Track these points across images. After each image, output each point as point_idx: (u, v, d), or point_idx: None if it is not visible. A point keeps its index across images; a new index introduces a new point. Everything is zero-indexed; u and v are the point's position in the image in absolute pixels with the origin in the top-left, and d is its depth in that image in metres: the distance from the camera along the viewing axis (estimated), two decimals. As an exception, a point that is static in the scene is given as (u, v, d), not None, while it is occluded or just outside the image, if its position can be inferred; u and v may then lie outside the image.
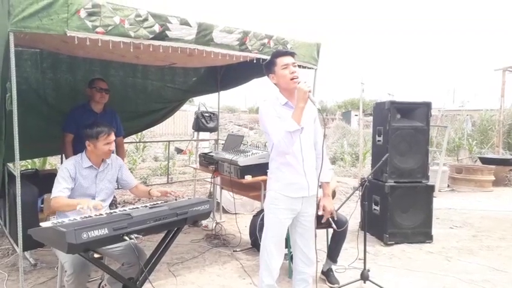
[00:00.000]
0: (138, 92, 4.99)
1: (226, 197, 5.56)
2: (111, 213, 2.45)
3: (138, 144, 13.05)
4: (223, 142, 5.27)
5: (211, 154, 4.75)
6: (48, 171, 4.70)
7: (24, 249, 2.73)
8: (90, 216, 2.32)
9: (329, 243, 3.62)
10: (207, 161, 4.76)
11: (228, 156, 4.35)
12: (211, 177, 4.85)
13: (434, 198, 7.18)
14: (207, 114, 5.69)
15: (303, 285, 2.66)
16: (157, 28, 2.95)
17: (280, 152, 2.49)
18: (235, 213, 5.27)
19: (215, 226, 4.79)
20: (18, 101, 4.18)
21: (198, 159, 5.20)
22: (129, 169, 8.41)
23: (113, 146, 2.81)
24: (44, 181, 3.82)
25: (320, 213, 2.75)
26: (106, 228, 2.14)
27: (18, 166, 2.67)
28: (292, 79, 2.45)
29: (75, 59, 4.37)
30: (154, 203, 2.66)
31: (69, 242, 1.98)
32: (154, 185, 7.50)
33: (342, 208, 3.68)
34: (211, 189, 5.63)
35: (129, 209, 2.55)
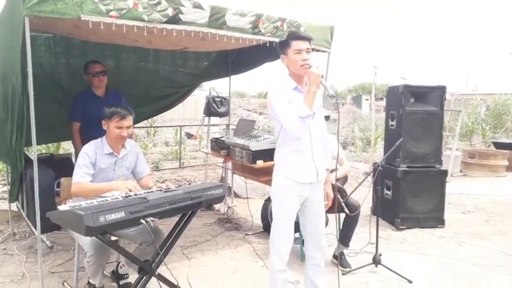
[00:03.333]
0: (149, 77, 4.97)
1: (238, 182, 5.59)
2: (127, 196, 2.48)
3: (149, 129, 13.14)
4: (234, 127, 5.28)
5: (222, 139, 4.75)
6: (62, 155, 4.75)
7: (42, 231, 2.78)
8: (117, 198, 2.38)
9: (341, 227, 3.63)
10: (219, 145, 4.77)
11: (239, 141, 4.36)
12: (223, 162, 4.86)
13: (446, 183, 7.20)
14: (218, 99, 5.68)
15: (315, 270, 2.66)
16: (170, 11, 2.93)
17: (292, 138, 2.44)
18: (247, 198, 5.30)
19: (227, 210, 4.83)
20: (33, 85, 4.25)
21: (209, 144, 5.21)
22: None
23: (124, 132, 2.75)
24: (59, 165, 3.88)
25: (325, 202, 2.73)
26: (123, 212, 2.16)
27: (35, 150, 2.70)
28: (302, 65, 2.38)
29: (87, 44, 4.36)
30: (168, 187, 2.68)
31: (87, 224, 2.01)
32: (166, 169, 7.56)
33: (354, 193, 3.67)
34: (223, 173, 5.65)
35: (145, 192, 2.58)
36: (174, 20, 2.96)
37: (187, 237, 4.20)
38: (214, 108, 5.68)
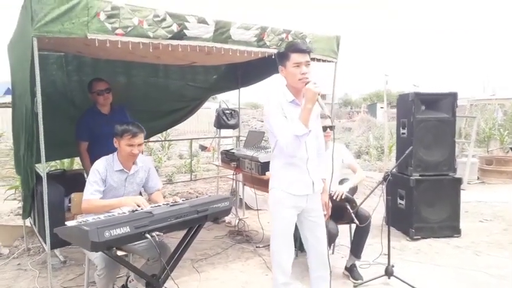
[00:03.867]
0: (160, 92, 5.04)
1: (249, 194, 5.58)
2: (133, 211, 2.50)
3: (163, 142, 13.27)
4: (245, 138, 5.28)
5: (232, 151, 4.77)
6: (75, 171, 4.83)
7: (52, 247, 2.82)
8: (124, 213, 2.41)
9: (352, 238, 3.58)
10: (229, 157, 4.78)
11: (249, 152, 4.36)
12: (233, 174, 4.87)
13: (462, 191, 7.03)
14: (228, 111, 5.71)
15: (320, 283, 2.62)
16: (175, 28, 2.98)
17: (284, 153, 2.43)
18: (258, 210, 5.28)
19: (238, 222, 4.82)
20: (46, 103, 4.34)
21: (220, 156, 5.23)
22: (155, 167, 8.59)
23: (136, 150, 2.77)
24: (71, 181, 3.94)
25: (324, 212, 2.69)
26: (128, 227, 2.18)
27: (44, 166, 2.75)
28: (300, 79, 2.35)
29: (98, 61, 4.46)
30: (175, 201, 2.69)
31: (92, 240, 2.03)
32: (179, 182, 7.60)
33: (367, 202, 3.61)
34: (234, 185, 5.65)
35: (151, 207, 2.60)
36: (179, 35, 3.01)
37: (197, 250, 4.20)
38: (224, 120, 5.71)
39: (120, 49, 2.92)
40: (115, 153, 2.85)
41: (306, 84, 2.33)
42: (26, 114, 3.10)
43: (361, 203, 3.45)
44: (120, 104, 4.00)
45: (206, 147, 13.21)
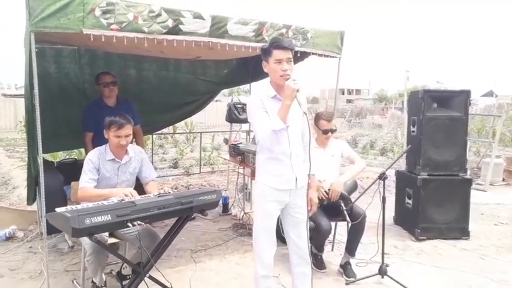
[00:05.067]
0: (171, 85, 5.15)
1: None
2: (121, 201, 2.60)
3: (188, 135, 13.53)
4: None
5: (239, 145, 4.82)
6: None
7: (49, 232, 2.98)
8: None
9: (347, 236, 3.56)
10: (236, 152, 4.84)
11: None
12: (237, 168, 4.93)
13: (483, 193, 6.81)
14: (239, 106, 5.76)
15: (301, 279, 2.64)
16: (170, 23, 3.04)
17: (265, 148, 2.49)
18: None
19: (243, 216, 4.88)
20: (60, 94, 4.51)
21: (229, 150, 5.29)
22: (175, 159, 8.76)
23: (123, 141, 2.87)
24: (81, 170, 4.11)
25: (309, 207, 2.68)
26: (109, 215, 2.27)
27: (41, 156, 2.88)
28: (281, 76, 2.39)
29: (111, 55, 4.61)
30: (164, 192, 2.77)
31: (73, 226, 2.14)
32: (196, 174, 7.74)
33: (375, 201, 3.52)
34: (241, 179, 5.70)
35: (141, 197, 2.70)
36: (175, 30, 3.07)
37: (199, 241, 4.30)
38: (235, 114, 5.76)
39: (127, 43, 3.01)
40: (107, 144, 2.97)
41: (286, 80, 2.36)
42: (28, 105, 3.26)
43: (355, 200, 3.43)
44: (127, 98, 4.12)
45: (228, 141, 13.34)
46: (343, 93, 67.96)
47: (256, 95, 2.52)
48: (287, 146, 2.46)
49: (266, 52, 2.45)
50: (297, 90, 2.31)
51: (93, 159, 2.92)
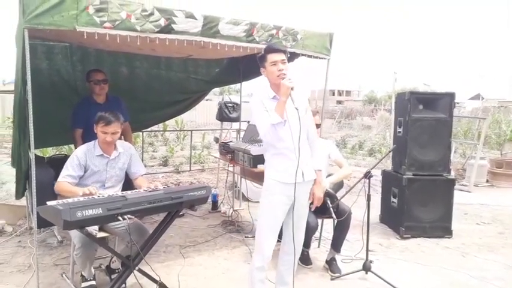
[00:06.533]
0: (162, 83, 5.19)
1: (249, 186, 5.68)
2: (112, 195, 2.65)
3: (178, 133, 13.56)
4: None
5: (229, 143, 4.89)
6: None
7: (39, 226, 3.01)
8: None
9: (333, 233, 3.65)
10: (226, 150, 4.90)
11: (243, 145, 4.47)
12: (227, 166, 4.99)
13: (467, 193, 6.97)
14: (230, 105, 5.83)
15: (288, 265, 2.78)
16: (162, 22, 3.10)
17: (267, 142, 2.65)
18: (248, 201, 5.38)
19: (232, 213, 4.94)
20: (51, 90, 4.51)
21: (219, 148, 5.36)
22: (165, 157, 8.78)
23: (109, 138, 2.92)
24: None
25: (310, 200, 2.79)
26: (100, 208, 2.34)
27: (33, 150, 2.91)
28: (278, 76, 2.57)
29: (102, 52, 4.64)
30: (154, 188, 2.83)
31: (64, 219, 2.19)
32: (186, 171, 7.79)
33: (361, 200, 3.62)
34: (231, 177, 5.77)
35: (131, 192, 2.75)
36: (167, 29, 3.13)
37: (189, 237, 4.36)
38: (226, 113, 5.83)
39: (119, 41, 3.06)
40: (96, 140, 3.01)
41: (282, 79, 2.53)
42: (19, 100, 3.29)
43: (341, 198, 3.52)
44: (116, 95, 4.16)
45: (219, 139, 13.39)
46: (333, 94, 68.30)
47: (257, 97, 2.70)
48: (290, 141, 2.58)
49: (262, 58, 2.65)
50: (292, 88, 2.49)
51: (80, 155, 2.96)
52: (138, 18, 3.00)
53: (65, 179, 2.87)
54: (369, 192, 3.49)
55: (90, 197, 2.57)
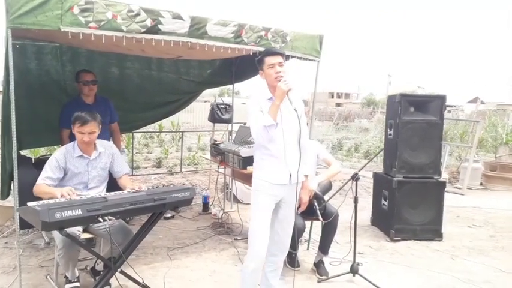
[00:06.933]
0: (153, 84, 5.16)
1: (239, 187, 5.67)
2: (93, 197, 2.63)
3: (174, 134, 13.55)
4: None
5: (219, 145, 4.87)
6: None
7: (22, 227, 2.98)
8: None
9: (321, 235, 3.63)
10: (216, 151, 4.89)
11: (233, 147, 4.45)
12: (218, 167, 4.97)
13: (460, 196, 6.96)
14: (222, 106, 5.81)
15: (274, 267, 2.80)
16: (149, 22, 3.08)
17: (259, 143, 2.68)
18: (238, 203, 5.37)
19: (222, 215, 4.92)
20: (41, 91, 4.48)
21: (210, 149, 5.34)
22: (159, 158, 8.76)
23: (86, 137, 2.88)
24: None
25: (297, 204, 2.80)
26: (80, 209, 2.32)
27: (15, 151, 2.88)
28: (275, 78, 2.61)
29: (93, 53, 4.61)
30: (138, 189, 2.81)
31: (43, 220, 2.18)
32: (178, 173, 7.77)
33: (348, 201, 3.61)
34: (221, 178, 5.75)
35: (114, 193, 2.73)
36: (153, 30, 3.11)
37: (177, 239, 4.33)
38: (218, 115, 5.82)
39: (106, 42, 3.05)
40: (75, 141, 2.99)
41: (279, 81, 2.57)
42: (3, 100, 3.26)
43: (328, 200, 3.51)
44: (104, 96, 4.15)
45: (216, 141, 13.38)
46: (332, 97, 68.46)
47: (254, 98, 2.74)
48: (281, 144, 2.61)
49: (260, 61, 2.70)
50: (290, 90, 2.54)
51: (59, 157, 2.93)
52: (124, 18, 2.98)
53: (44, 181, 2.84)
54: (355, 194, 3.47)
55: (69, 198, 2.54)
